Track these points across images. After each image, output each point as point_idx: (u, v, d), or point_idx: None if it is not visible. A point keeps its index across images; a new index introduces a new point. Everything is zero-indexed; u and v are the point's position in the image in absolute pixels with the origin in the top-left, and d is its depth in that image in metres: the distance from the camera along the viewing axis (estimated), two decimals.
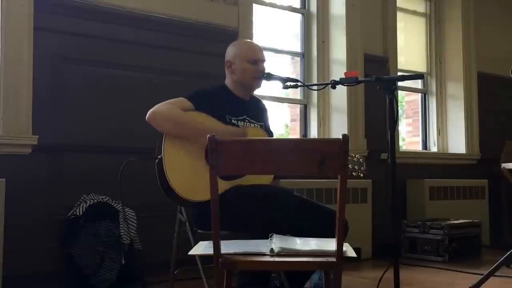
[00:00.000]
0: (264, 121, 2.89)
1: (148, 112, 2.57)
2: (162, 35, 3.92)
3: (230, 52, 2.79)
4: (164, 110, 2.56)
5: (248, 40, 2.99)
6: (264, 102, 3.05)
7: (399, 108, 2.85)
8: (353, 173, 2.61)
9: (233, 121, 2.70)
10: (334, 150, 1.73)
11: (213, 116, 2.63)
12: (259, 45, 2.88)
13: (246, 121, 2.76)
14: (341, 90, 4.66)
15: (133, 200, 3.42)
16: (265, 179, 2.67)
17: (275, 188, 2.64)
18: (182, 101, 2.63)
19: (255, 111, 2.84)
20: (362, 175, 2.66)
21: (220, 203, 1.77)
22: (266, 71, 2.76)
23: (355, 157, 2.63)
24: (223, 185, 2.46)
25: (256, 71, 2.73)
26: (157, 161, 2.52)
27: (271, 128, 2.97)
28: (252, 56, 2.74)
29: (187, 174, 2.51)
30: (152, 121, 2.56)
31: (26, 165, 3.34)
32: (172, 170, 2.47)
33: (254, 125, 2.78)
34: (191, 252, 1.97)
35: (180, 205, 2.69)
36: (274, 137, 3.03)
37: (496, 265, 3.22)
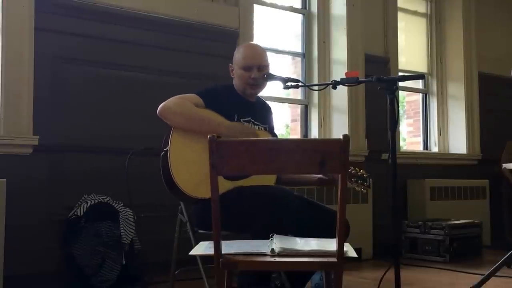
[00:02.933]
0: (269, 123, 2.90)
1: (160, 106, 2.58)
2: (163, 35, 3.92)
3: (234, 57, 2.83)
4: (177, 103, 2.58)
5: (251, 44, 2.95)
6: (269, 104, 3.05)
7: (400, 108, 2.86)
8: (356, 188, 2.62)
9: (240, 121, 2.71)
10: (335, 150, 1.73)
11: (221, 114, 2.65)
12: (261, 48, 2.85)
13: (251, 122, 2.77)
14: (342, 90, 4.66)
15: (134, 200, 3.41)
16: (268, 180, 2.67)
17: (277, 189, 2.64)
18: (193, 96, 2.65)
19: (260, 113, 2.85)
20: (364, 190, 2.67)
21: (222, 202, 1.77)
22: (267, 72, 2.76)
23: (359, 171, 2.64)
24: (226, 185, 2.46)
25: (248, 78, 2.73)
26: (162, 154, 2.51)
27: (275, 130, 2.97)
28: (244, 63, 2.74)
29: (192, 170, 2.50)
30: (163, 113, 2.57)
31: (26, 166, 3.34)
32: (177, 164, 2.47)
33: (259, 127, 2.79)
34: (192, 252, 1.98)
35: (182, 200, 2.69)
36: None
37: (497, 265, 3.22)
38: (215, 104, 2.66)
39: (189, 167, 2.50)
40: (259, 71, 2.73)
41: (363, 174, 2.65)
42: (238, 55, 2.80)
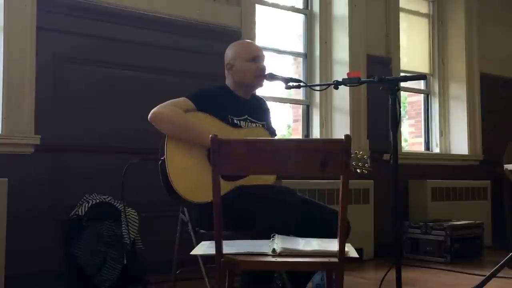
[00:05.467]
0: (266, 120, 2.88)
1: (150, 112, 2.57)
2: (165, 35, 3.92)
3: (230, 54, 2.79)
4: (165, 111, 2.56)
5: (245, 40, 2.95)
6: (267, 102, 3.04)
7: (401, 109, 2.85)
8: (357, 170, 2.61)
9: (235, 121, 2.70)
10: (336, 151, 1.73)
11: (214, 116, 2.63)
12: (258, 45, 2.86)
13: (248, 120, 2.75)
14: (344, 90, 4.66)
15: (136, 199, 3.42)
16: (267, 179, 2.67)
17: (279, 188, 2.64)
18: (183, 101, 2.63)
19: (257, 111, 2.83)
20: (366, 172, 2.66)
21: (223, 204, 1.77)
22: (269, 71, 2.75)
23: (359, 154, 2.64)
24: (226, 186, 2.46)
25: (257, 69, 2.73)
26: (160, 162, 2.51)
27: (276, 130, 2.96)
28: (251, 54, 2.74)
29: (190, 175, 2.51)
30: (153, 121, 2.56)
31: (28, 165, 3.34)
32: (175, 171, 2.47)
33: (256, 125, 2.78)
34: (193, 252, 1.98)
35: (183, 206, 2.69)
36: (277, 137, 3.02)
37: (498, 266, 3.21)
38: (207, 106, 2.63)
39: (187, 173, 2.50)
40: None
41: (363, 156, 2.64)
42: (240, 49, 2.77)
